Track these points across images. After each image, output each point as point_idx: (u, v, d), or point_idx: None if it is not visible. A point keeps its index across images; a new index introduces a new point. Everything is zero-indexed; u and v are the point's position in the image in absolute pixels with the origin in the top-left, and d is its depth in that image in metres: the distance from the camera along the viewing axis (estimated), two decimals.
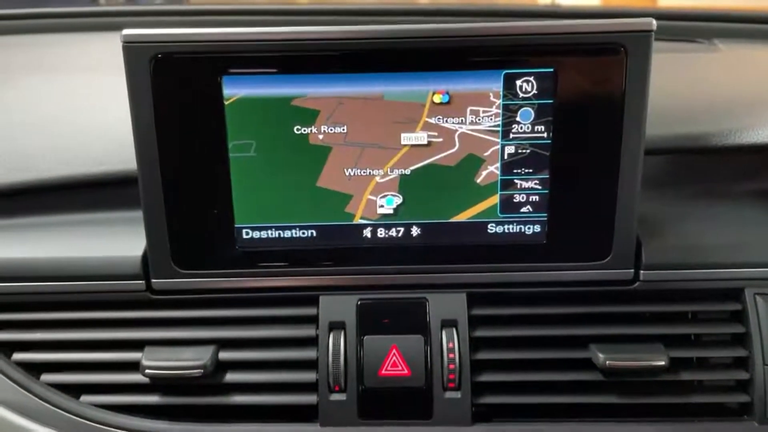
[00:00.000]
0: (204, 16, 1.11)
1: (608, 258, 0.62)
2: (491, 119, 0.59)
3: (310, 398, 0.63)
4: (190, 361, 0.62)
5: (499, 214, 0.62)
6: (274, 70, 0.58)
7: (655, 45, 0.57)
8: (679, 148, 0.71)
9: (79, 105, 0.79)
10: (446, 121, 0.59)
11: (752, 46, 1.00)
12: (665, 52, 0.91)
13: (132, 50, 0.57)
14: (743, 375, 0.63)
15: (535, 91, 0.58)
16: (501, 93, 0.58)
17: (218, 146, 0.59)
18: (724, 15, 1.06)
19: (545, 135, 0.59)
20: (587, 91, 0.58)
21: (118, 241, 0.66)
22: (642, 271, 0.63)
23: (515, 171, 0.61)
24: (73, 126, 0.75)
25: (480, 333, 0.64)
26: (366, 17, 1.08)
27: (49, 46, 0.97)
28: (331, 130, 0.59)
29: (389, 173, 0.61)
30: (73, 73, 0.87)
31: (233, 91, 0.58)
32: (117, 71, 0.58)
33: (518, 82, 0.58)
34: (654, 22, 0.56)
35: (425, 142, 0.60)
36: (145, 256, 0.63)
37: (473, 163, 0.60)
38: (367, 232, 0.63)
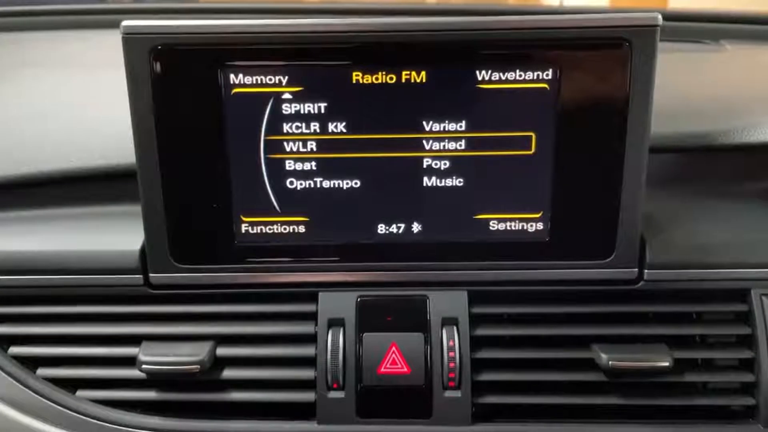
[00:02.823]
0: (210, 15, 1.10)
1: (612, 257, 0.61)
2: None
3: (308, 396, 0.62)
4: (187, 356, 0.61)
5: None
6: (275, 62, 0.57)
7: (662, 45, 0.56)
8: (685, 146, 0.70)
9: (78, 99, 0.78)
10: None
11: (759, 48, 0.99)
12: (672, 52, 0.90)
13: (131, 41, 0.56)
14: (748, 377, 0.62)
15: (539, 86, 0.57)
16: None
17: (218, 139, 0.59)
18: (732, 16, 1.06)
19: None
20: (592, 87, 0.57)
21: (117, 235, 0.65)
22: (646, 271, 0.62)
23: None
24: (73, 120, 0.74)
25: (481, 331, 0.63)
26: (374, 16, 1.07)
27: (52, 43, 0.97)
28: (333, 123, 0.59)
29: None
30: (74, 68, 0.87)
31: (233, 82, 0.57)
32: (117, 67, 0.57)
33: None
34: (659, 16, 0.55)
35: None
36: (143, 251, 0.63)
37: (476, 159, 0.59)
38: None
